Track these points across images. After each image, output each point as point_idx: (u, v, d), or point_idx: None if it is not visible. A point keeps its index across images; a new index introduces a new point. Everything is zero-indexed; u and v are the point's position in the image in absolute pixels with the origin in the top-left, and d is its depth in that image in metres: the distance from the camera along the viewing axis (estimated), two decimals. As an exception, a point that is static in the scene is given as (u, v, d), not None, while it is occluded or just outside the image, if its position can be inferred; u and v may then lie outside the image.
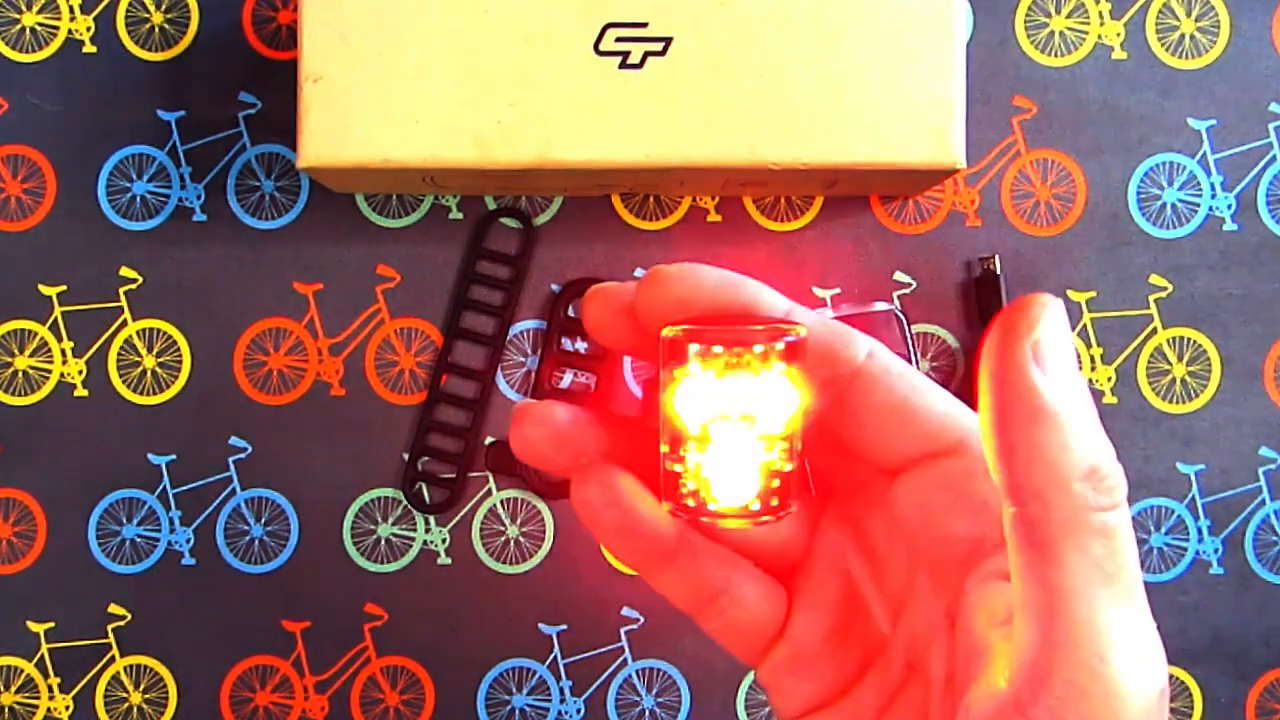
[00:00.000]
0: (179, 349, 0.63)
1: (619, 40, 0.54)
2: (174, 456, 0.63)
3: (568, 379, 0.63)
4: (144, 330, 0.63)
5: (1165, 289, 0.63)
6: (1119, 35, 0.63)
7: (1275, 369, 0.63)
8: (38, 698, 0.63)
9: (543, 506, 0.63)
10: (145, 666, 0.63)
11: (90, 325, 0.63)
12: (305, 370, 0.63)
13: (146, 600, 0.63)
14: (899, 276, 0.63)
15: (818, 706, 0.31)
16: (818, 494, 0.33)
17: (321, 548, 0.63)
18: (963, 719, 0.27)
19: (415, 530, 0.63)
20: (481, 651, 0.63)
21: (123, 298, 0.63)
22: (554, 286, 0.63)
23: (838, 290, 0.63)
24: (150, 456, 0.63)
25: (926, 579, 0.30)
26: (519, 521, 0.63)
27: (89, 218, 0.63)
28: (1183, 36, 0.63)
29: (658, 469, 0.29)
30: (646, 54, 0.54)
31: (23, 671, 0.63)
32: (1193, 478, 0.63)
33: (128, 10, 0.63)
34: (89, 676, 0.63)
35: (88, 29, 0.63)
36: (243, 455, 0.63)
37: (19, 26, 0.63)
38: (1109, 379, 0.63)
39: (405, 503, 0.63)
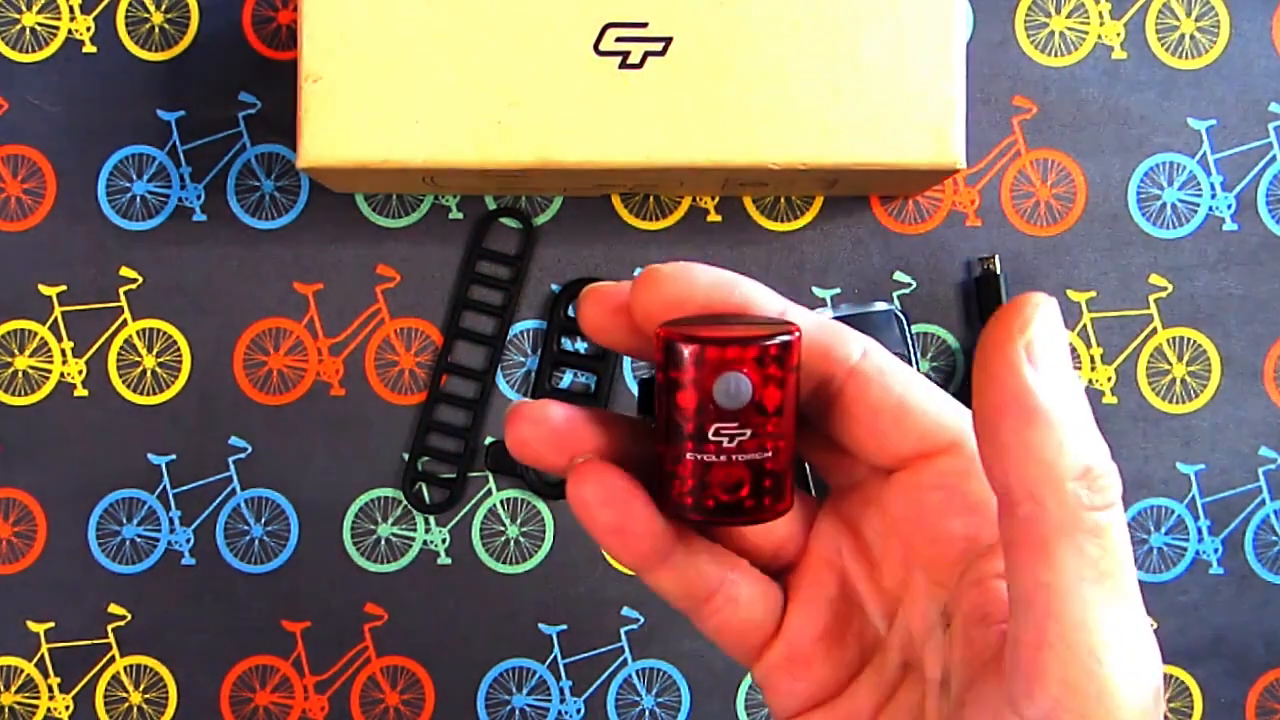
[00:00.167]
0: (179, 349, 0.63)
1: (619, 40, 0.54)
2: (174, 456, 0.63)
3: (567, 379, 0.63)
4: (144, 330, 0.63)
5: (1165, 289, 0.63)
6: (1119, 35, 0.63)
7: (1275, 369, 0.63)
8: (38, 698, 0.63)
9: (543, 506, 0.63)
10: (145, 666, 0.63)
11: (90, 325, 0.63)
12: (305, 370, 0.63)
13: (146, 600, 0.63)
14: (899, 276, 0.63)
15: (813, 705, 0.31)
16: (814, 493, 0.33)
17: (321, 547, 0.63)
18: (958, 718, 0.27)
19: (415, 530, 0.63)
20: (481, 651, 0.63)
21: (123, 298, 0.63)
22: (554, 286, 0.63)
23: (838, 290, 0.63)
24: (150, 456, 0.63)
25: (922, 578, 0.30)
26: (519, 521, 0.63)
27: (89, 218, 0.63)
28: (1183, 36, 0.63)
29: (653, 468, 0.29)
30: (646, 54, 0.54)
31: (23, 671, 0.63)
32: (1193, 478, 0.63)
33: (128, 10, 0.63)
34: (89, 676, 0.63)
35: (88, 29, 0.63)
36: (243, 455, 0.63)
37: (19, 26, 0.63)
38: (1109, 379, 0.63)
39: (405, 503, 0.63)
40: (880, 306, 0.61)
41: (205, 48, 0.63)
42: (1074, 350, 0.63)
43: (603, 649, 0.63)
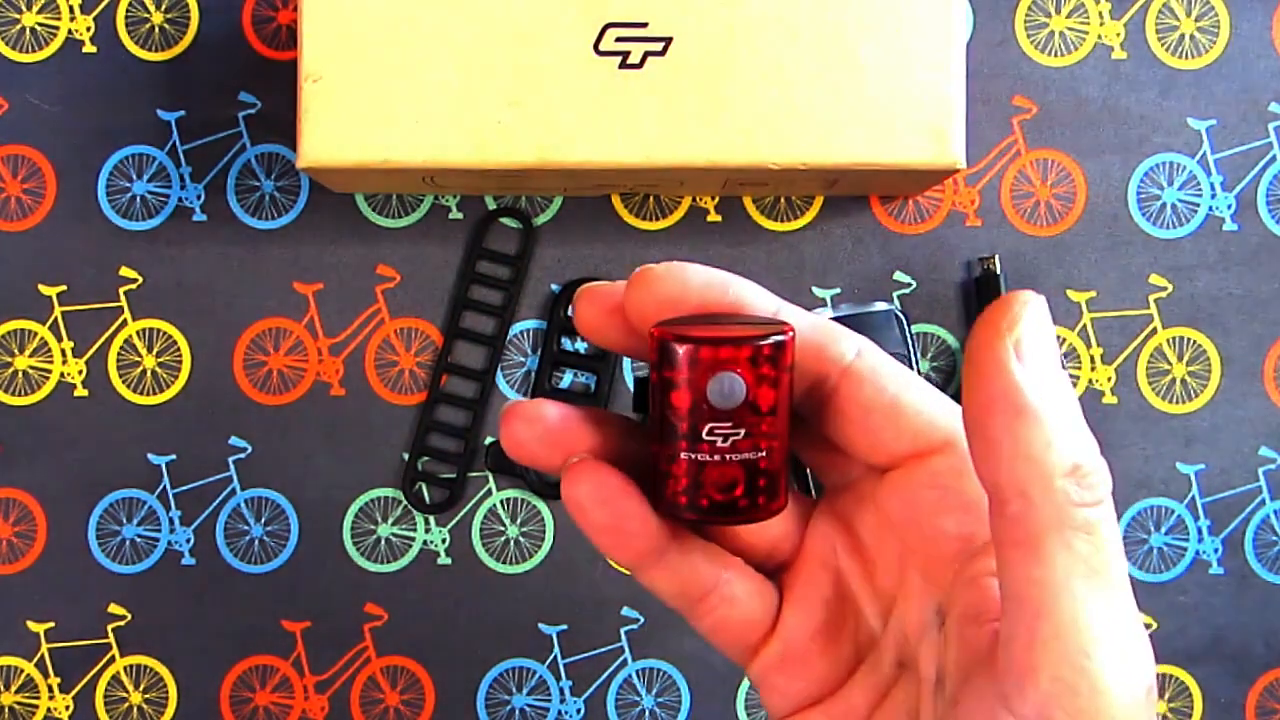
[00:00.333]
0: (179, 349, 0.63)
1: (619, 40, 0.54)
2: (174, 456, 0.63)
3: (568, 379, 0.63)
4: (144, 330, 0.63)
5: (1165, 289, 0.63)
6: (1119, 35, 0.63)
7: (1275, 369, 0.63)
8: (38, 698, 0.63)
9: (543, 506, 0.63)
10: (145, 666, 0.63)
11: (90, 325, 0.63)
12: (305, 370, 0.63)
13: (146, 600, 0.63)
14: (899, 276, 0.63)
15: (809, 704, 0.31)
16: (810, 492, 0.33)
17: (321, 548, 0.63)
18: (952, 716, 0.27)
19: (415, 530, 0.63)
20: (481, 651, 0.63)
21: (123, 298, 0.63)
22: (554, 286, 0.63)
23: (838, 290, 0.63)
24: (150, 456, 0.63)
25: (917, 576, 0.30)
26: (519, 521, 0.63)
27: (89, 218, 0.63)
28: (1183, 36, 0.63)
29: (648, 467, 0.29)
30: (646, 54, 0.54)
31: (23, 671, 0.63)
32: (1193, 478, 0.63)
33: (128, 10, 0.63)
34: (89, 676, 0.63)
35: (88, 29, 0.63)
36: (243, 455, 0.63)
37: (19, 26, 0.63)
38: (1109, 379, 0.63)
39: (405, 503, 0.63)
40: (880, 306, 0.61)
41: (205, 48, 0.63)
42: (1072, 350, 0.63)
43: (603, 649, 0.63)
